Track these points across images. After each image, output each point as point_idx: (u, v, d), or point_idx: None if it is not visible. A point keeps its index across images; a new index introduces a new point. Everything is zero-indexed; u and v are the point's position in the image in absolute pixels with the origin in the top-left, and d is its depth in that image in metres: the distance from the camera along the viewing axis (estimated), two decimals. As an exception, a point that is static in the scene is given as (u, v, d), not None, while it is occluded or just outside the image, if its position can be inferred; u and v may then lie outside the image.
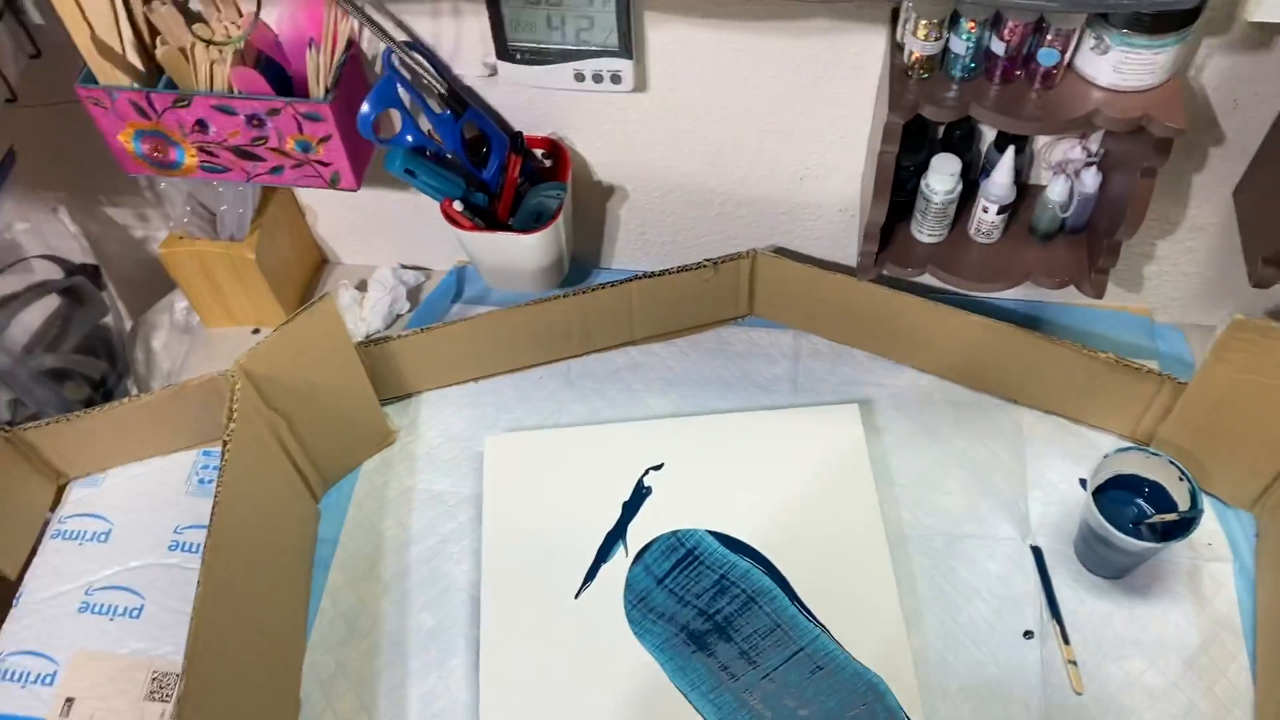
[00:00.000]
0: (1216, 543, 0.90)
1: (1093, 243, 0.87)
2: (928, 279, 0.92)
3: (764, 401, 1.00)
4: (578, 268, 1.08)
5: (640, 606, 0.85)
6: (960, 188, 0.84)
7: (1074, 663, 0.85)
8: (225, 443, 0.77)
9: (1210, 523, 0.90)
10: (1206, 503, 0.82)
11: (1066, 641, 0.86)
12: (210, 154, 0.89)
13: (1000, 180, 0.83)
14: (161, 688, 0.87)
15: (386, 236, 1.09)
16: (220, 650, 0.75)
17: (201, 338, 1.09)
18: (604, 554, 0.88)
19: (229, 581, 0.78)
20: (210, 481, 0.97)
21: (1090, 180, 0.84)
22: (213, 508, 0.77)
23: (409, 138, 0.88)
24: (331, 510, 0.96)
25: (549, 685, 0.82)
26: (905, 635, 0.83)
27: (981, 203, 0.86)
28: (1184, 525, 0.82)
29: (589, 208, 1.02)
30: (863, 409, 0.96)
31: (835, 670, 0.82)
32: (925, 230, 0.88)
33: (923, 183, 0.85)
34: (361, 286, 1.09)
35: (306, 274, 1.11)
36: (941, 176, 0.83)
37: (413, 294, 1.09)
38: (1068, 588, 0.89)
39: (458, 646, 0.88)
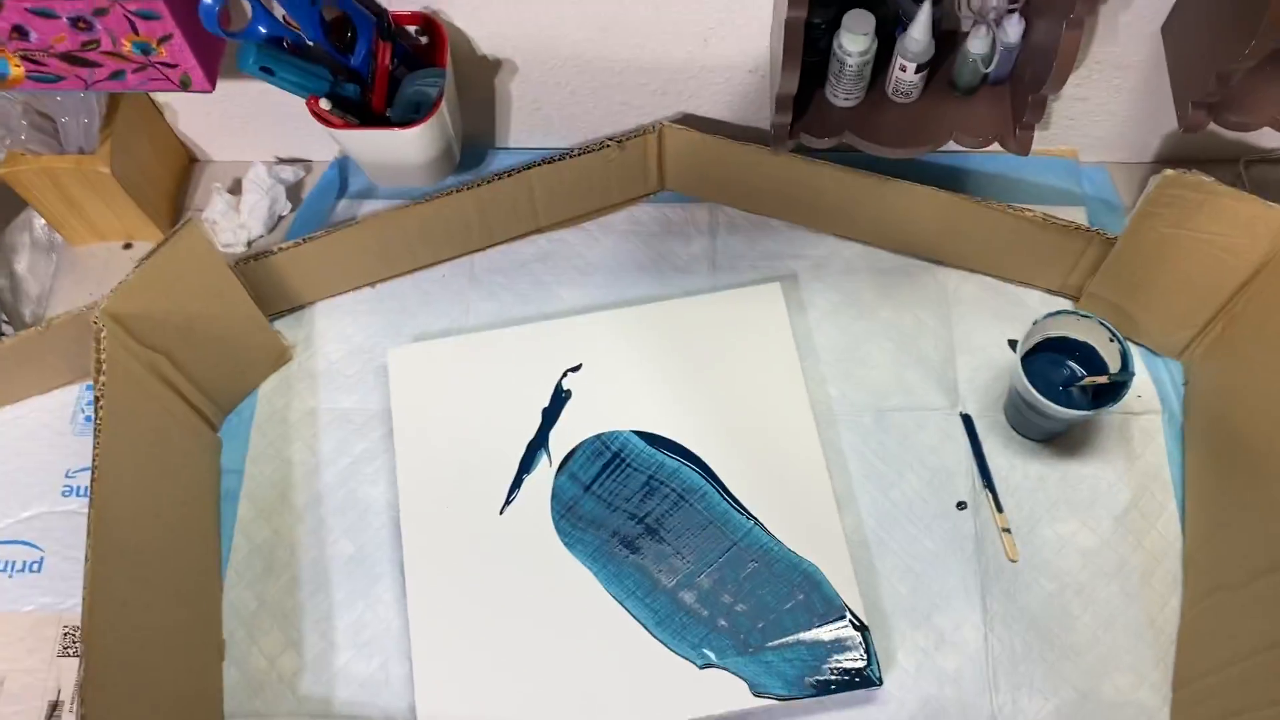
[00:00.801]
0: (1146, 394, 0.89)
1: (1017, 95, 0.82)
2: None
3: (682, 284, 0.94)
4: (471, 149, 1.00)
5: (569, 516, 0.82)
6: (876, 45, 0.78)
7: (1008, 530, 0.84)
8: (98, 398, 0.70)
9: (1140, 374, 0.89)
10: (1135, 353, 0.81)
11: (1000, 510, 0.85)
12: (37, 63, 0.78)
13: (917, 36, 0.77)
14: (75, 642, 0.83)
15: (258, 128, 0.99)
16: (126, 602, 0.71)
17: (69, 256, 0.99)
18: (527, 465, 0.84)
19: (126, 531, 0.73)
20: (97, 419, 0.91)
21: (1013, 29, 0.77)
22: (93, 460, 0.70)
23: (261, 29, 0.78)
24: (233, 437, 0.90)
25: (481, 605, 0.80)
26: (838, 518, 0.82)
27: (899, 61, 0.79)
28: (1115, 389, 0.80)
29: (475, 86, 0.93)
30: (785, 285, 0.92)
31: (770, 563, 0.80)
32: (840, 94, 0.82)
33: (835, 43, 0.78)
34: (236, 188, 1.00)
35: (173, 177, 1.01)
36: (855, 36, 0.76)
37: (293, 191, 1.00)
38: (999, 453, 0.88)
39: (383, 572, 0.85)
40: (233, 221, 0.96)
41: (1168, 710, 0.78)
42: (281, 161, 1.01)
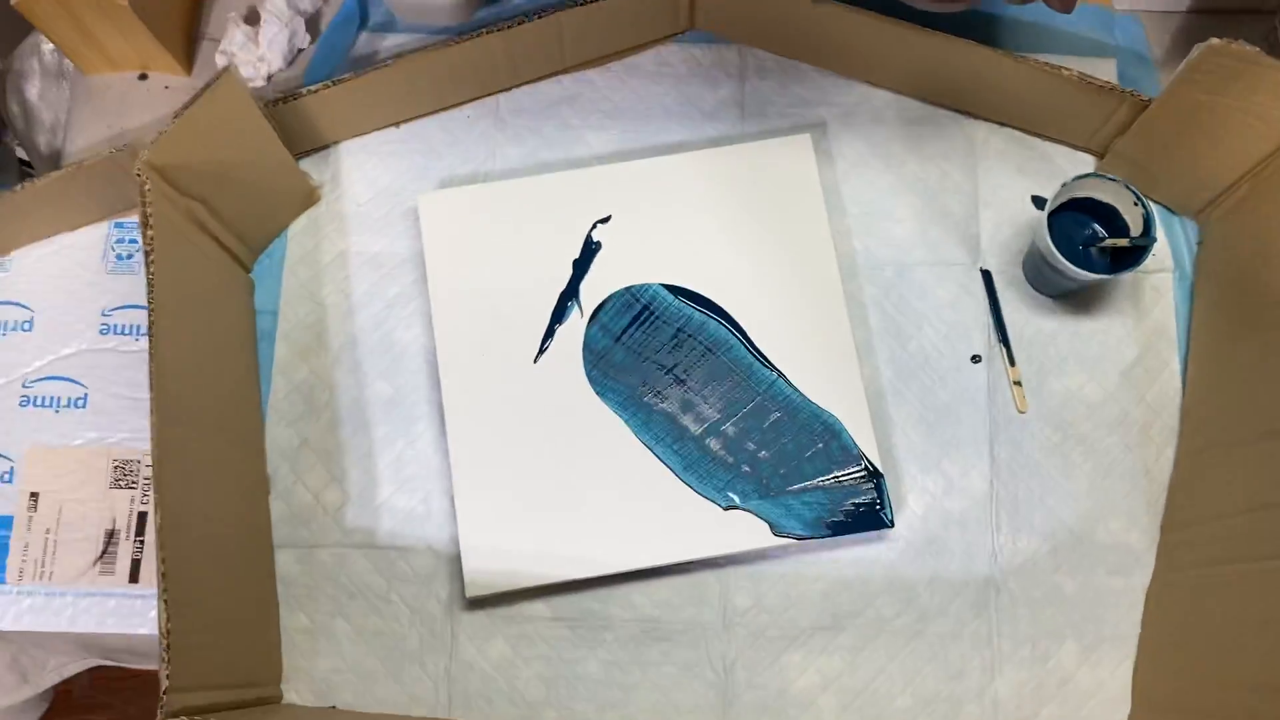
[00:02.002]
0: (1160, 252, 0.91)
1: (1066, -51, 0.80)
2: (885, -8, 0.84)
3: (710, 131, 0.94)
4: (495, -19, 0.97)
5: (600, 366, 0.85)
6: (927, -104, 0.75)
7: (1019, 383, 0.88)
8: (148, 252, 0.71)
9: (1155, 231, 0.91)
10: (1149, 204, 0.82)
11: (1013, 363, 0.89)
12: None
13: (973, -112, 0.74)
14: (125, 474, 0.87)
15: (272, -47, 0.95)
16: (185, 443, 0.74)
17: (82, 86, 0.97)
18: (559, 315, 0.86)
19: (180, 376, 0.75)
20: (128, 258, 0.92)
21: (1070, -120, 0.75)
22: (149, 316, 0.72)
23: None
24: (265, 278, 0.91)
25: (517, 446, 0.84)
26: (858, 372, 0.85)
27: (949, -88, 0.77)
28: (1135, 253, 0.82)
29: (504, -83, 0.89)
30: (814, 134, 0.92)
31: (792, 413, 0.84)
32: (886, -56, 0.79)
33: (886, -108, 0.75)
34: (252, 17, 0.97)
35: (186, 5, 0.97)
36: (908, -114, 0.73)
37: (311, 23, 0.97)
38: (1014, 308, 0.90)
39: (420, 413, 0.88)
40: (251, 55, 0.94)
41: (1154, 552, 0.85)
42: (297, -11, 0.98)
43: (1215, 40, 0.75)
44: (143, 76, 0.97)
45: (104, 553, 0.86)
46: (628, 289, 0.87)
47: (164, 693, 0.67)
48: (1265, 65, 0.74)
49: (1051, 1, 0.81)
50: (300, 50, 0.97)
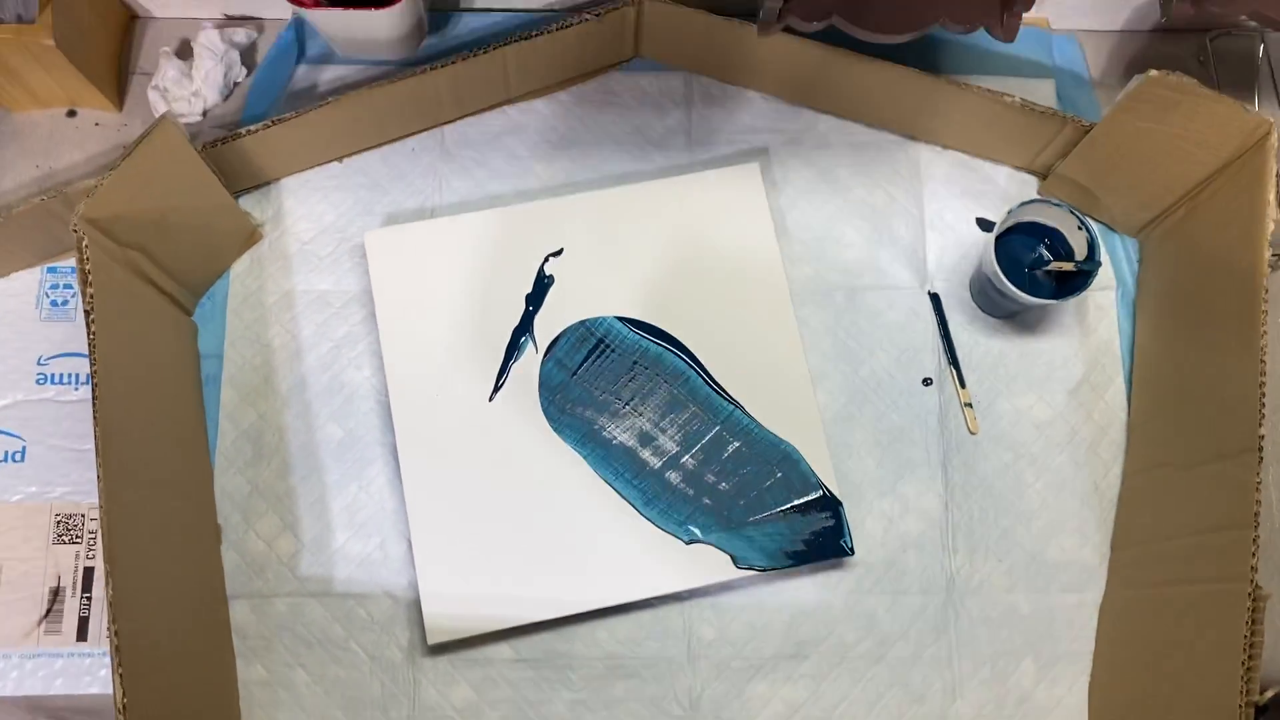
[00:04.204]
0: (1103, 270, 0.93)
1: (1006, -20, 0.81)
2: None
3: (658, 159, 0.94)
4: (435, 12, 0.95)
5: (556, 401, 0.85)
6: (871, -70, 0.75)
7: (969, 405, 0.90)
8: (88, 311, 0.68)
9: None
10: (1094, 226, 0.84)
11: (963, 385, 0.90)
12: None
13: (916, -77, 0.74)
14: (69, 529, 0.85)
15: (203, -18, 0.93)
16: (133, 497, 0.72)
17: (10, 124, 0.93)
18: (513, 351, 0.85)
19: (127, 430, 0.73)
20: (63, 304, 0.89)
21: (1010, -86, 0.76)
22: (91, 371, 0.70)
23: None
24: (208, 321, 0.89)
25: (474, 486, 0.83)
26: (814, 400, 0.86)
27: (893, -55, 0.77)
28: (1080, 277, 0.83)
29: (443, -52, 0.88)
30: (760, 160, 0.92)
31: (751, 443, 0.84)
32: (831, -23, 0.79)
33: (830, -73, 0.75)
34: (184, 51, 0.94)
35: (115, 38, 0.94)
36: (852, -78, 0.74)
37: (247, 54, 0.95)
38: (962, 329, 0.92)
39: (373, 455, 0.87)
40: (185, 90, 0.91)
41: (1105, 569, 0.86)
42: (231, 20, 0.95)
43: (1154, 72, 0.76)
44: (71, 113, 0.94)
45: (49, 611, 0.83)
46: (582, 323, 0.86)
47: (122, 766, 0.65)
48: (1201, 95, 0.76)
49: (994, 30, 0.82)
50: (236, 84, 0.94)
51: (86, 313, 0.68)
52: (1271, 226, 0.75)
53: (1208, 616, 0.73)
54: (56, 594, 0.83)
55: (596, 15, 0.86)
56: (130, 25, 0.96)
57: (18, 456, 0.86)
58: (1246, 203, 0.76)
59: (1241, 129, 0.77)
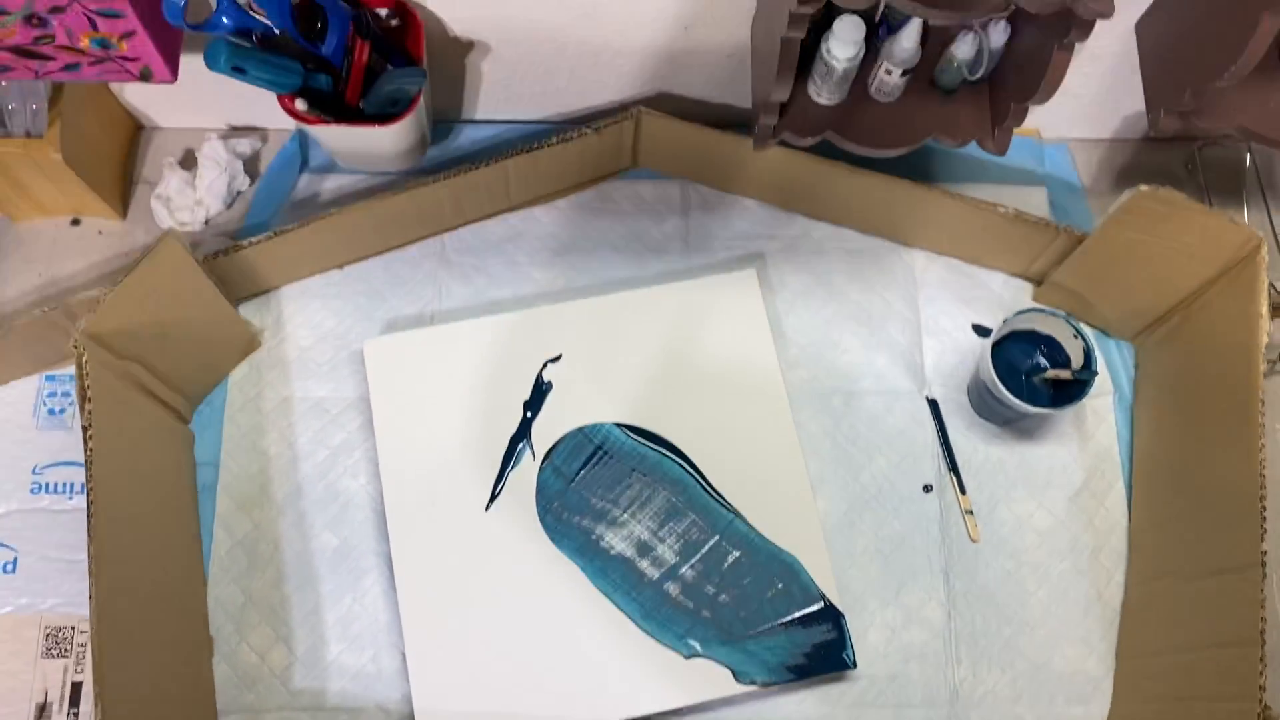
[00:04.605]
0: (1100, 377, 0.93)
1: (997, 97, 0.82)
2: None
3: (656, 265, 0.95)
4: (437, 123, 0.97)
5: (554, 510, 0.84)
6: (864, 52, 0.77)
7: (970, 512, 0.89)
8: (86, 427, 0.68)
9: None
10: (1090, 334, 0.84)
11: (963, 492, 0.89)
12: (-18, 53, 0.73)
13: (906, 45, 0.76)
14: (58, 643, 0.83)
15: (208, 95, 0.93)
16: (126, 611, 0.72)
17: (13, 233, 0.94)
18: (510, 459, 0.85)
19: (120, 541, 0.73)
20: (60, 412, 0.89)
21: (998, 35, 0.77)
22: (87, 485, 0.69)
23: (225, 19, 0.74)
24: (205, 428, 0.89)
25: (470, 598, 0.82)
26: (815, 509, 0.85)
27: (884, 65, 0.79)
28: (1077, 385, 0.84)
29: (445, 64, 0.89)
30: (757, 265, 0.93)
31: (751, 553, 0.84)
32: (824, 94, 0.81)
33: (824, 48, 0.77)
34: (188, 161, 0.95)
35: (121, 149, 0.96)
36: (845, 44, 0.75)
37: (250, 164, 0.96)
38: (962, 435, 0.91)
39: (369, 565, 0.86)
40: (188, 199, 0.93)
41: (1111, 679, 0.85)
42: (235, 131, 0.97)
43: (1143, 187, 0.77)
44: (75, 222, 0.95)
45: (35, 728, 0.81)
46: (580, 429, 0.86)
47: None
48: (1191, 210, 0.77)
49: (986, 145, 0.84)
50: (239, 193, 0.95)
51: (84, 428, 0.68)
52: (1265, 339, 0.75)
53: (1218, 736, 0.72)
54: (43, 710, 0.82)
55: (596, 129, 0.88)
56: (136, 135, 0.98)
57: (9, 568, 0.85)
58: (1239, 314, 0.77)
59: (1232, 242, 0.78)
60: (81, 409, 0.68)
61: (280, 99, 0.79)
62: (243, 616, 0.84)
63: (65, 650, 0.83)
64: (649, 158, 0.95)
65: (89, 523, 0.68)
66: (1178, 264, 0.82)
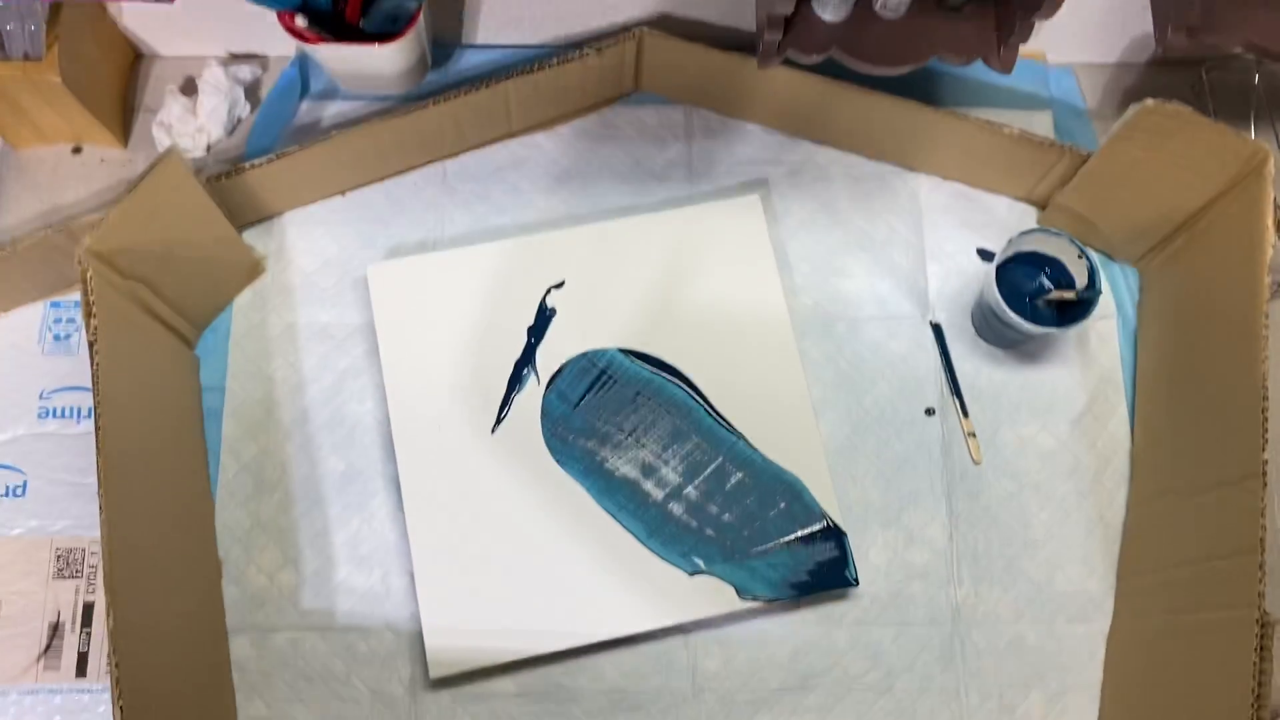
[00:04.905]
0: (1103, 299, 0.93)
1: (1003, 13, 0.81)
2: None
3: (659, 192, 0.94)
4: (436, 47, 0.96)
5: (559, 433, 0.85)
6: (869, -35, 0.76)
7: (973, 435, 0.89)
8: (92, 343, 0.68)
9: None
10: (1093, 258, 0.84)
11: (966, 415, 0.90)
12: (-22, -30, 0.73)
13: (913, -43, 0.75)
14: (69, 564, 0.84)
15: (208, 22, 0.93)
16: (135, 533, 0.72)
17: (13, 161, 0.94)
18: (515, 383, 0.85)
19: (129, 464, 0.73)
20: (66, 338, 0.89)
21: (1006, -52, 0.77)
22: (95, 405, 0.70)
23: (226, -65, 0.73)
24: (210, 354, 0.89)
25: (477, 519, 0.82)
26: (817, 431, 0.85)
27: (891, -21, 0.78)
28: (1081, 305, 0.84)
29: (446, -15, 0.89)
30: (761, 192, 0.93)
31: (754, 474, 0.84)
32: (829, 10, 0.80)
33: (829, -38, 0.76)
34: (189, 88, 0.95)
35: (121, 76, 0.95)
36: (851, -43, 0.75)
37: (251, 90, 0.96)
38: (965, 359, 0.92)
39: (375, 488, 0.86)
40: (190, 126, 0.92)
41: (1112, 598, 0.86)
42: (236, 58, 0.96)
43: (1149, 101, 0.77)
44: (77, 150, 0.95)
45: (48, 647, 0.82)
46: (584, 354, 0.86)
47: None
48: (1197, 124, 0.77)
49: (991, 62, 0.83)
50: (240, 119, 0.95)
51: (90, 345, 0.68)
52: (1270, 252, 0.75)
53: (1216, 644, 0.73)
54: (56, 629, 0.83)
55: (597, 50, 0.87)
56: (136, 63, 0.97)
57: (19, 491, 0.85)
58: (1245, 229, 0.77)
59: (1238, 156, 0.77)
60: (87, 325, 0.69)
61: (280, 16, 0.78)
62: (250, 539, 0.85)
63: (76, 571, 0.84)
64: (652, 80, 0.95)
65: (96, 438, 0.69)
66: (1183, 181, 0.82)
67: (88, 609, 0.83)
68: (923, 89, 0.95)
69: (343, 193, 0.93)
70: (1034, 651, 0.84)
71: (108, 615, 0.66)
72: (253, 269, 0.90)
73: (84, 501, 0.85)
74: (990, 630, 0.85)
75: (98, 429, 0.68)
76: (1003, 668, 0.84)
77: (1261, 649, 0.70)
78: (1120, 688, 0.82)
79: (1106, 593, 0.86)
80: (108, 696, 0.76)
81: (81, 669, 0.82)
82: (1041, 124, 0.96)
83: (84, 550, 0.84)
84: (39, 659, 0.82)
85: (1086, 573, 0.86)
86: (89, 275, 0.69)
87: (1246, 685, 0.69)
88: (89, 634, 0.83)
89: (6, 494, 0.85)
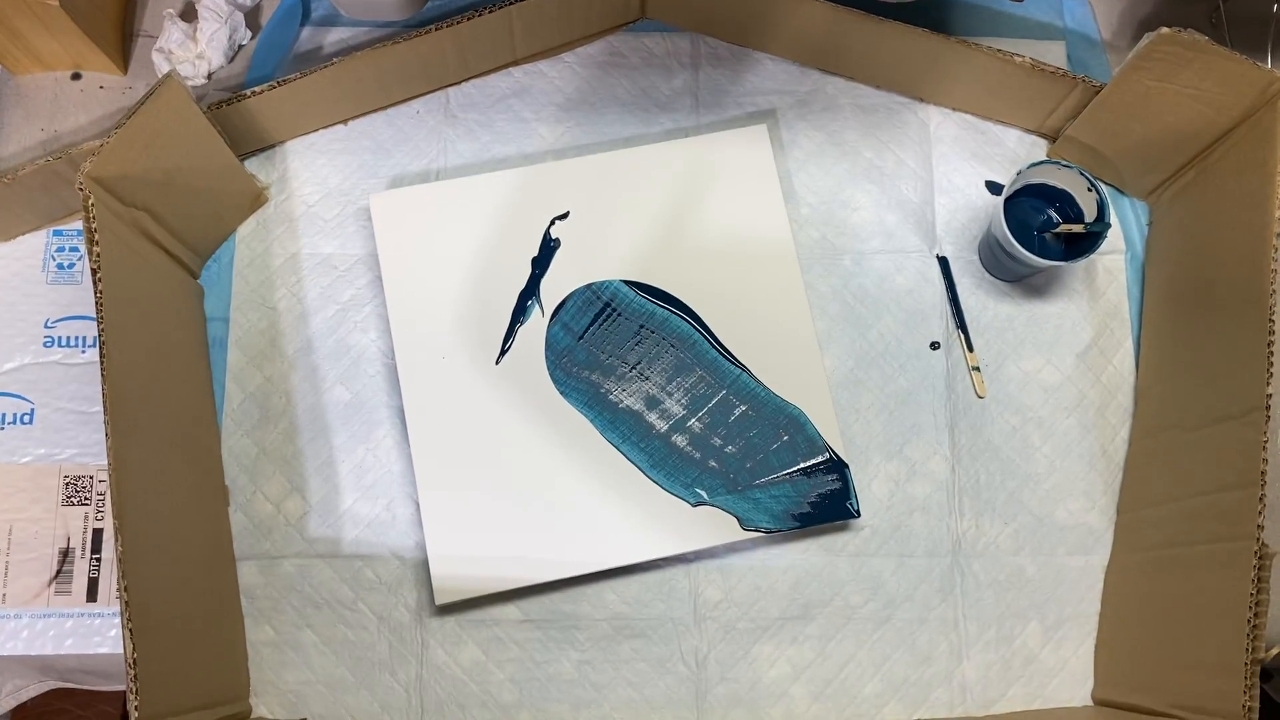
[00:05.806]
0: (1112, 233, 0.92)
1: (1017, -62, 0.80)
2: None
3: (665, 122, 0.93)
4: (440, -29, 0.95)
5: (563, 365, 0.85)
6: (881, -114, 0.75)
7: (977, 369, 0.89)
8: (95, 269, 0.68)
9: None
10: (1103, 190, 0.83)
11: (970, 349, 0.90)
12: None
13: (926, -122, 0.74)
14: (78, 491, 0.85)
15: (206, -55, 0.92)
16: (141, 458, 0.72)
17: (12, 87, 0.93)
18: (519, 315, 0.85)
19: (135, 391, 0.73)
20: (69, 266, 0.89)
21: None
22: (99, 332, 0.69)
23: None
24: (214, 284, 0.89)
25: (482, 449, 0.83)
26: (821, 364, 0.85)
27: (903, -99, 0.76)
28: (1090, 238, 0.83)
29: (448, -93, 0.87)
30: (768, 123, 0.91)
31: (758, 407, 0.84)
32: (840, -66, 0.79)
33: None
34: (189, 13, 0.93)
35: (119, 2, 0.93)
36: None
37: (251, 17, 0.94)
38: (970, 293, 0.91)
39: (380, 418, 0.87)
40: (190, 53, 0.91)
41: (1112, 531, 0.86)
42: (235, -17, 0.95)
43: (1165, 29, 0.75)
44: (76, 76, 0.93)
45: (59, 572, 0.83)
46: (589, 286, 0.86)
47: (133, 722, 0.65)
48: (1213, 53, 0.75)
49: (1004, -11, 0.81)
50: (241, 46, 0.93)
51: (93, 271, 0.68)
52: (1282, 185, 0.74)
53: (1213, 575, 0.73)
54: (66, 555, 0.84)
55: (603, -26, 0.85)
56: (134, -12, 0.96)
57: (26, 419, 0.86)
58: (1257, 161, 0.76)
59: (1254, 86, 0.76)
60: (90, 252, 0.68)
61: (279, -62, 0.77)
62: (257, 468, 0.86)
63: (85, 499, 0.85)
64: (658, 8, 0.93)
65: (101, 367, 0.69)
66: (1196, 112, 0.80)
67: (97, 535, 0.84)
68: (936, 20, 0.93)
69: (345, 121, 0.92)
70: (1033, 583, 0.85)
71: (116, 541, 0.67)
72: (256, 198, 0.90)
73: (91, 430, 0.86)
74: (990, 562, 0.86)
75: (102, 357, 0.68)
76: (1002, 599, 0.85)
77: (1259, 580, 0.70)
78: (1118, 619, 0.83)
79: (1107, 526, 0.87)
80: (118, 620, 0.77)
81: (92, 594, 0.83)
82: (1055, 54, 0.95)
83: (92, 478, 0.85)
84: (50, 584, 0.83)
85: (1087, 506, 0.87)
86: (90, 201, 0.68)
87: (1243, 616, 0.70)
88: (98, 560, 0.84)
89: (14, 422, 0.86)
